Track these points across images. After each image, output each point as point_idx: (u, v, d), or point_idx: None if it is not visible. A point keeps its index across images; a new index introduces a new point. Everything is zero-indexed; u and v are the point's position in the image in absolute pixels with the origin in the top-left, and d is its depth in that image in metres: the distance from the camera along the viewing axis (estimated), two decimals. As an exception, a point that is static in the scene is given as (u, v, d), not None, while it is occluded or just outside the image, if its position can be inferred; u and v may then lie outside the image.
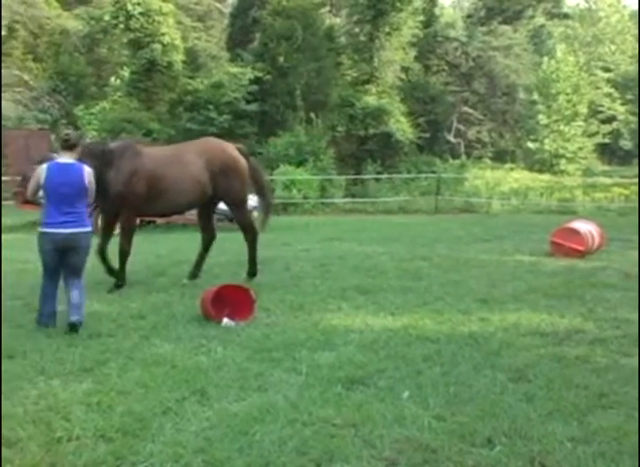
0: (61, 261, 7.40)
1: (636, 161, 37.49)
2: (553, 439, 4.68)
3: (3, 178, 23.53)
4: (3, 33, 28.41)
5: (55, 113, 30.24)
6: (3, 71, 29.87)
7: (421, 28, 34.29)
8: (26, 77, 30.44)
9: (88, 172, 7.46)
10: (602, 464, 4.36)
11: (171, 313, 8.19)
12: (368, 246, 14.74)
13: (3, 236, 16.49)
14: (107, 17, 30.34)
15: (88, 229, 7.55)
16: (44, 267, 7.47)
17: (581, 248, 12.92)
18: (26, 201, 18.80)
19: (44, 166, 7.26)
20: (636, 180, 27.44)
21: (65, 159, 7.34)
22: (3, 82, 29.92)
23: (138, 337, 7.15)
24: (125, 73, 31.00)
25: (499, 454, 4.47)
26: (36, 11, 31.94)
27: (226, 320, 7.70)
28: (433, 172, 29.39)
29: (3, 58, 30.80)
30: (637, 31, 40.25)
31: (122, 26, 28.74)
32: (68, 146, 7.38)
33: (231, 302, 8.00)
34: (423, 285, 10.15)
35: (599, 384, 5.74)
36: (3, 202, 23.09)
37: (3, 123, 27.13)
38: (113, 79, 33.20)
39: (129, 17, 28.08)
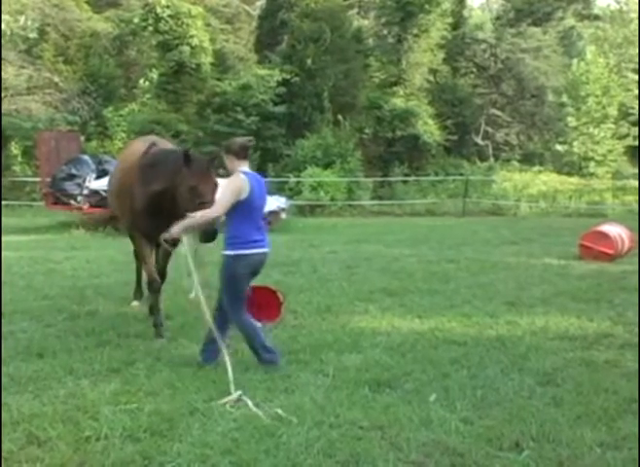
0: None
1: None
2: (582, 444, 4.65)
3: (34, 179, 23.86)
4: (34, 36, 28.69)
5: (85, 115, 30.47)
6: (34, 73, 30.23)
7: (450, 30, 34.11)
8: (57, 79, 30.63)
9: None
10: (632, 470, 4.33)
11: (198, 314, 8.19)
12: (395, 248, 14.72)
13: (32, 237, 16.72)
14: (136, 20, 30.53)
15: None
16: (234, 295, 6.35)
17: (610, 251, 12.83)
18: (56, 202, 19.07)
19: (243, 176, 6.11)
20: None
21: (246, 169, 6.23)
22: (34, 84, 30.28)
23: (166, 337, 7.20)
24: (154, 75, 31.13)
25: (527, 459, 4.45)
26: (67, 13, 32.17)
27: (253, 321, 7.71)
28: (461, 175, 29.22)
29: (34, 61, 31.17)
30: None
31: (151, 29, 28.84)
32: (245, 155, 6.26)
33: (259, 303, 8.01)
34: (450, 288, 10.13)
35: (629, 389, 5.69)
36: (33, 203, 23.48)
37: (34, 124, 27.44)
38: (142, 81, 33.43)
39: (158, 19, 28.20)
